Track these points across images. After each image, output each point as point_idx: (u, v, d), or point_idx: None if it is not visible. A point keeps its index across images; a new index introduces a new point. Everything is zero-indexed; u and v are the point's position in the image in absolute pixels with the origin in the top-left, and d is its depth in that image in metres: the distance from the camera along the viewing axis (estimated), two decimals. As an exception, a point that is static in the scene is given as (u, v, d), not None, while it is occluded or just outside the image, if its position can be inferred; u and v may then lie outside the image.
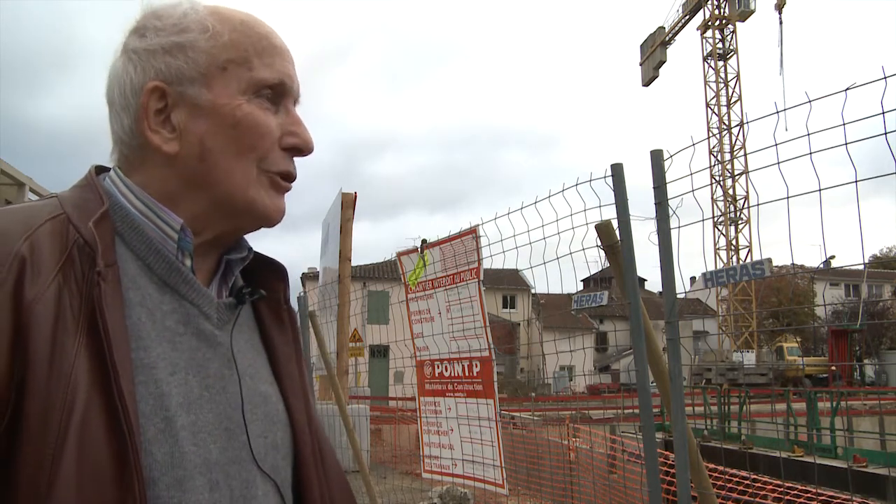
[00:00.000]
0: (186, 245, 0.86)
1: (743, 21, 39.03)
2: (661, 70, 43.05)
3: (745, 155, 31.92)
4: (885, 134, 1.71)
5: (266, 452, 0.87)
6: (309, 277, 28.69)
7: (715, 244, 36.44)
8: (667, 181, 2.14)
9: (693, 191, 2.10)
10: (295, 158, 0.92)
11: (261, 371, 0.93)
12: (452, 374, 3.40)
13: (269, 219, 0.90)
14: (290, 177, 0.90)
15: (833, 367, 29.01)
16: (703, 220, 2.23)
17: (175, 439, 0.76)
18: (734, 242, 36.92)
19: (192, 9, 0.88)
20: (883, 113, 1.69)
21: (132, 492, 0.68)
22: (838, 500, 6.37)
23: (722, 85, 38.50)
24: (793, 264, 26.77)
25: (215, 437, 0.81)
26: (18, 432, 0.67)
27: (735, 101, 38.12)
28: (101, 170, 0.91)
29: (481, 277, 3.20)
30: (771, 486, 6.84)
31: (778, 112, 1.92)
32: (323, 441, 1.01)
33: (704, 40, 39.55)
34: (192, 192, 0.86)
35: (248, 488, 0.83)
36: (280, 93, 0.89)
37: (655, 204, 2.15)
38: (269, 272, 1.00)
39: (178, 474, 0.75)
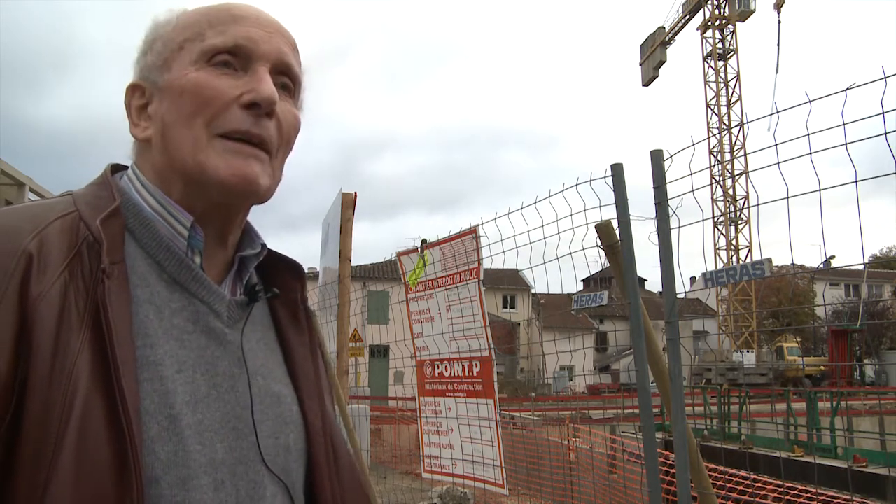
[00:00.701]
0: (196, 243, 0.86)
1: (743, 21, 39.01)
2: (661, 70, 43.02)
3: (745, 155, 31.89)
4: (885, 134, 1.71)
5: (276, 453, 0.86)
6: (309, 277, 28.53)
7: (715, 244, 36.41)
8: (667, 181, 2.13)
9: (693, 191, 2.10)
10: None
11: (274, 371, 0.92)
12: (452, 374, 3.40)
13: (226, 183, 0.82)
14: (247, 135, 0.84)
15: (822, 368, 29.09)
16: (703, 220, 2.23)
17: (179, 438, 0.75)
18: (734, 242, 36.89)
19: (172, 12, 0.91)
20: (883, 113, 1.69)
21: (130, 490, 0.67)
22: (838, 500, 6.38)
23: (722, 85, 38.47)
24: (793, 264, 26.75)
25: (222, 437, 0.80)
26: (20, 429, 0.66)
27: (735, 101, 38.08)
28: (118, 168, 0.92)
29: (481, 277, 3.20)
30: (771, 486, 6.84)
31: (777, 112, 1.92)
32: (338, 443, 0.98)
33: (704, 40, 39.53)
34: (171, 172, 0.86)
35: (256, 489, 0.82)
36: (244, 57, 0.86)
37: (655, 204, 2.15)
38: (285, 271, 1.00)
39: (182, 473, 0.74)
